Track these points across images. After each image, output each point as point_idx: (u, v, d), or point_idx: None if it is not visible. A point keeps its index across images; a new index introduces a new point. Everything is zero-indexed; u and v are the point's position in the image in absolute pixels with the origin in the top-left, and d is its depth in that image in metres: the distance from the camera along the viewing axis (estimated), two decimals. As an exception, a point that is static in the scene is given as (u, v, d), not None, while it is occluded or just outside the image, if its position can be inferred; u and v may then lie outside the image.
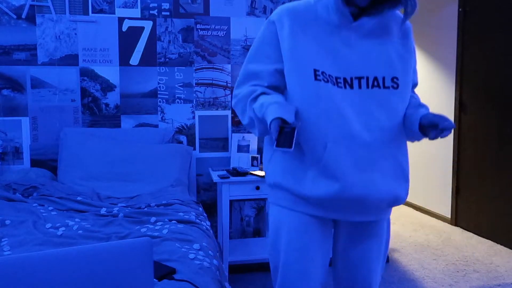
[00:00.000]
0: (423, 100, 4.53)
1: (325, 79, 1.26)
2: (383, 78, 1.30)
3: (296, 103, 1.28)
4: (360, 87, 1.29)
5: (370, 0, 1.27)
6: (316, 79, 1.25)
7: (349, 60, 1.29)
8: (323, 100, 1.25)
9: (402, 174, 1.32)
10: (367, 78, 1.30)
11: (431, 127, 1.26)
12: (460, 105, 3.94)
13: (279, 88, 1.36)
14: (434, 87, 4.32)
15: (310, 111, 1.26)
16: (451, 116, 4.07)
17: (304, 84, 1.26)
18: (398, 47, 1.34)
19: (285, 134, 1.17)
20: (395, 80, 1.31)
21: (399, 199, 1.32)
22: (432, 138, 1.26)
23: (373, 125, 1.28)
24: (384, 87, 1.30)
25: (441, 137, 1.25)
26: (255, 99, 1.32)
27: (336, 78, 1.28)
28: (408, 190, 1.35)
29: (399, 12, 1.38)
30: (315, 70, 1.26)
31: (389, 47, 1.33)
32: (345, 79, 1.28)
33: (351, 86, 1.29)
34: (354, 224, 1.39)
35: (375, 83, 1.30)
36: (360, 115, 1.27)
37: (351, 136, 1.25)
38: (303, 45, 1.28)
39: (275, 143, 1.17)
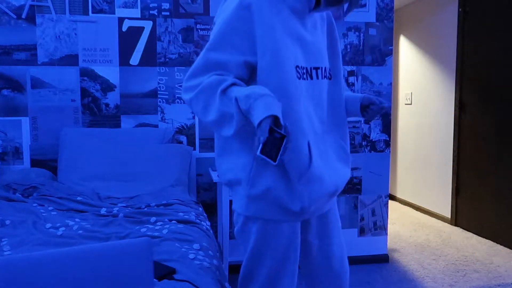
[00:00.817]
0: (423, 99, 4.54)
1: (299, 75, 1.22)
2: (325, 69, 1.32)
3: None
4: (318, 77, 1.28)
5: None
6: (296, 76, 1.20)
7: (311, 50, 1.26)
8: (301, 98, 1.21)
9: (348, 158, 1.37)
10: (321, 69, 1.29)
11: (368, 107, 1.36)
12: (460, 105, 3.94)
13: (245, 82, 1.22)
14: (434, 87, 4.32)
15: (293, 110, 1.17)
16: (451, 116, 4.07)
17: (287, 82, 1.16)
18: (327, 41, 1.36)
19: (273, 141, 0.99)
20: (330, 71, 1.34)
21: (347, 181, 1.39)
22: (369, 117, 1.37)
23: (323, 116, 1.30)
24: (327, 77, 1.33)
25: (373, 118, 1.37)
26: (225, 90, 1.12)
27: (303, 68, 1.24)
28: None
29: None
30: (295, 66, 1.20)
31: (324, 40, 1.34)
32: (307, 70, 1.25)
33: (311, 77, 1.26)
34: (323, 214, 1.40)
35: (325, 74, 1.31)
36: (316, 107, 1.28)
37: (314, 131, 1.26)
38: (283, 38, 1.17)
39: (259, 148, 0.99)
